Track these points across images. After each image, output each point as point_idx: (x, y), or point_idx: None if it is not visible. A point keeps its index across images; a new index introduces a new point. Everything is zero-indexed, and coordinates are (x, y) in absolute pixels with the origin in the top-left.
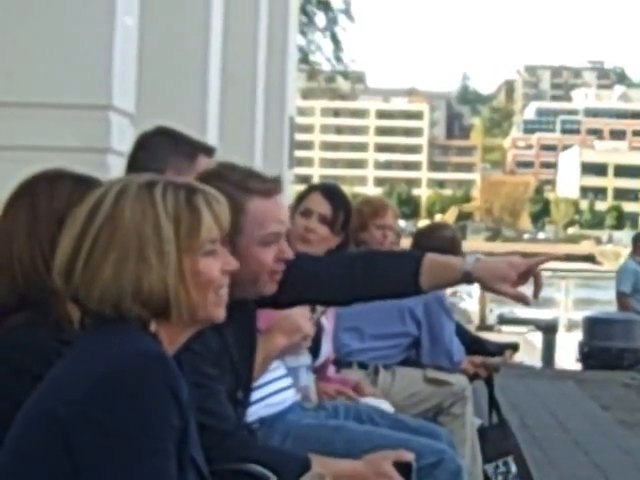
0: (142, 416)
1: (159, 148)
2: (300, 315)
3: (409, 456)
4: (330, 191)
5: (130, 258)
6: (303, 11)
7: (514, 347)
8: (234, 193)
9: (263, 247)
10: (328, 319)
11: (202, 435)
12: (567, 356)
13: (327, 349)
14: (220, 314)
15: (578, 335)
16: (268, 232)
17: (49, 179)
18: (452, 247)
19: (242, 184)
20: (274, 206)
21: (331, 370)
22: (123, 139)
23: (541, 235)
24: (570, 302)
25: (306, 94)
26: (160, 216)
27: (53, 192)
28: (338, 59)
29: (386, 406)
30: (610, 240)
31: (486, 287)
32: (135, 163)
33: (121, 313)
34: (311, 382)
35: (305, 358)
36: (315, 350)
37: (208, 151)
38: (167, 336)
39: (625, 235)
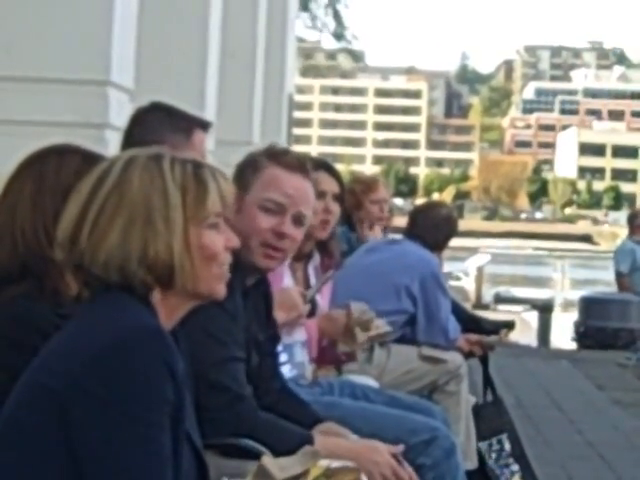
0: (137, 389)
1: (154, 123)
2: (296, 293)
3: (399, 448)
4: (331, 167)
5: (137, 223)
6: None
7: (510, 326)
8: (260, 155)
9: (262, 212)
10: (323, 296)
11: (216, 394)
12: (563, 335)
13: None
14: (221, 291)
15: (574, 315)
16: (271, 198)
17: (59, 152)
18: (449, 226)
19: (272, 153)
20: (289, 178)
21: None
22: (121, 115)
23: (538, 215)
24: (566, 282)
25: (305, 72)
26: (168, 183)
27: (61, 165)
28: (340, 36)
29: (371, 382)
30: (606, 217)
31: None
32: (130, 139)
33: (126, 277)
34: (306, 358)
35: (299, 334)
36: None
37: (204, 125)
38: (166, 309)
39: (622, 215)
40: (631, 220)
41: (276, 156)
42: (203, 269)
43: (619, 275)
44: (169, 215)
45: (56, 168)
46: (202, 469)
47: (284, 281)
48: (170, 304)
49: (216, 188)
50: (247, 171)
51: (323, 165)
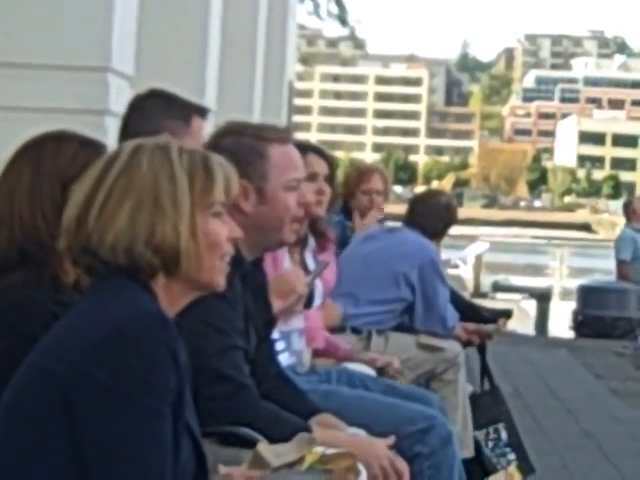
0: (142, 376)
1: (153, 110)
2: (293, 275)
3: (391, 440)
4: (320, 150)
5: (145, 206)
6: None
7: (507, 314)
8: (254, 143)
9: (287, 192)
10: (321, 281)
11: (218, 383)
12: (561, 324)
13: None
14: (221, 283)
15: (572, 303)
16: (291, 177)
17: (56, 138)
18: (448, 214)
19: (259, 134)
20: (293, 152)
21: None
22: (121, 101)
23: (537, 203)
24: (565, 270)
25: (306, 59)
26: (176, 168)
27: (58, 151)
28: (343, 22)
29: (369, 370)
30: (605, 206)
31: None
32: (128, 126)
33: (133, 259)
34: (304, 346)
35: (297, 322)
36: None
37: (202, 112)
38: (168, 297)
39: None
40: (626, 208)
41: (265, 136)
42: (207, 257)
43: (621, 263)
44: (177, 199)
45: (53, 154)
46: (200, 460)
47: (284, 266)
48: (173, 292)
49: (223, 178)
50: (254, 161)
51: (311, 148)
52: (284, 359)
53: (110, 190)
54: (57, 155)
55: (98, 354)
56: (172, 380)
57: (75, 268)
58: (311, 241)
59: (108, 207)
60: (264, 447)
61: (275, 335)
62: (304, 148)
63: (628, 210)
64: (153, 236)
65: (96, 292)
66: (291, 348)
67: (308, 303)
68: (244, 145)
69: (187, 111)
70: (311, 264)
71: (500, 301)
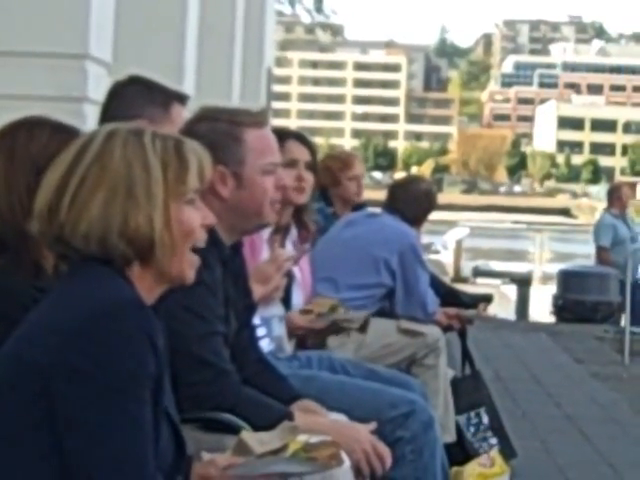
0: (120, 362)
1: (132, 97)
2: (270, 265)
3: (373, 425)
4: (301, 136)
5: (118, 196)
6: None
7: (488, 299)
8: (229, 128)
9: (264, 176)
10: (301, 269)
11: (199, 369)
12: (541, 309)
13: (299, 298)
14: (191, 276)
15: (552, 288)
16: (268, 161)
17: (29, 125)
18: (428, 200)
19: (234, 119)
20: (268, 135)
21: None
22: (99, 88)
23: (517, 188)
24: (545, 255)
25: (284, 45)
26: (149, 157)
27: (31, 138)
28: (319, 10)
29: (349, 356)
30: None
31: None
32: (108, 112)
33: (106, 250)
34: (284, 332)
35: (277, 308)
36: (286, 300)
37: (182, 99)
38: (143, 287)
39: (602, 189)
40: (611, 193)
41: (240, 121)
42: (180, 245)
43: (601, 249)
44: (151, 189)
45: (26, 141)
46: (180, 445)
47: (263, 255)
48: (147, 281)
49: (196, 164)
50: (230, 146)
51: (292, 134)
52: (265, 345)
53: (83, 178)
54: (30, 142)
55: (76, 341)
56: (151, 366)
57: (53, 254)
58: (293, 231)
59: (81, 196)
60: (248, 435)
61: (256, 321)
62: (285, 135)
63: (613, 195)
64: (127, 227)
65: (72, 279)
66: (272, 334)
67: (287, 290)
68: (219, 130)
69: (167, 98)
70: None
71: (480, 286)
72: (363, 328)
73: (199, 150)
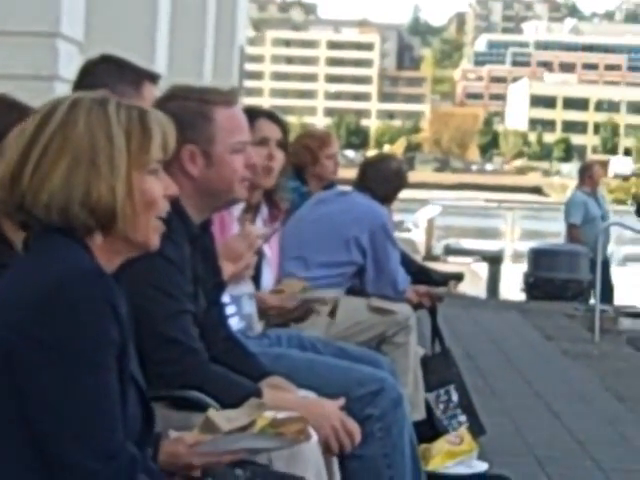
0: (83, 331)
1: (104, 76)
2: (241, 242)
3: (341, 402)
4: (272, 115)
5: (81, 165)
6: None
7: (459, 277)
8: (200, 106)
9: (234, 154)
10: (271, 247)
11: (167, 348)
12: (512, 287)
13: (269, 276)
14: (156, 242)
15: (523, 266)
16: (238, 140)
17: None
18: (398, 178)
19: (204, 97)
20: (238, 114)
21: None
22: (71, 67)
23: (489, 167)
24: (516, 233)
25: (257, 24)
26: (113, 127)
27: None
28: None
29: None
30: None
31: None
32: (79, 91)
33: (68, 219)
34: (254, 310)
35: (247, 286)
36: (256, 278)
37: (153, 78)
38: (105, 255)
39: (573, 167)
40: (582, 172)
41: (210, 99)
42: (143, 215)
43: (571, 227)
44: (113, 158)
45: None
46: (148, 414)
47: (233, 233)
48: (109, 250)
49: (160, 135)
50: (200, 124)
51: (263, 113)
52: (234, 323)
53: (46, 147)
54: None
55: (38, 312)
56: (114, 333)
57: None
58: (264, 210)
59: (43, 165)
60: (215, 412)
61: (225, 299)
62: (255, 113)
63: (585, 174)
64: (89, 196)
65: (33, 250)
66: (241, 312)
67: (257, 268)
68: (189, 109)
69: (138, 77)
70: (260, 231)
71: (452, 264)
72: (332, 313)
73: (163, 120)
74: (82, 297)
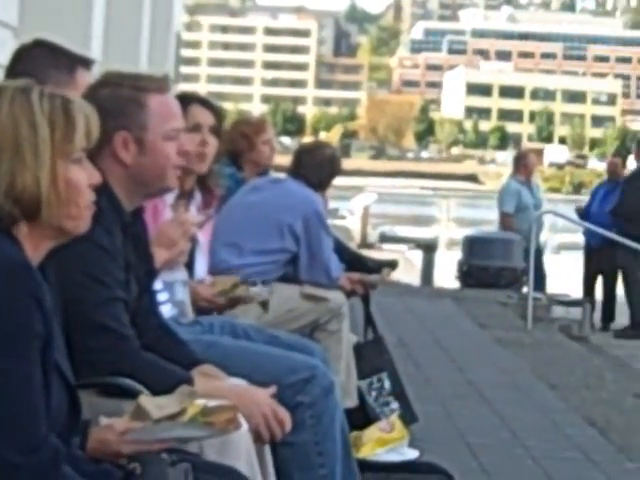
0: (6, 324)
1: (37, 61)
2: (175, 229)
3: (273, 390)
4: (205, 101)
5: (5, 155)
6: None
7: (392, 265)
8: (132, 93)
9: (167, 141)
10: (204, 233)
11: (98, 335)
12: (446, 274)
13: (202, 263)
14: (84, 227)
15: (457, 254)
16: (171, 127)
17: None
18: (332, 165)
19: (137, 84)
20: (171, 101)
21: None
22: (4, 52)
23: (425, 154)
24: (451, 221)
25: (194, 10)
26: (37, 116)
27: None
28: None
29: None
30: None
31: None
32: (13, 76)
33: None
34: (187, 297)
35: (181, 273)
36: (189, 265)
37: (87, 63)
38: (31, 244)
39: (509, 156)
40: (517, 160)
41: (142, 86)
42: (68, 203)
43: (504, 215)
44: (38, 148)
45: None
46: (75, 405)
47: (166, 219)
48: (35, 238)
49: (84, 124)
50: (132, 111)
51: (196, 99)
52: (167, 310)
53: None
54: None
55: None
56: (38, 325)
57: None
58: (197, 196)
59: None
60: (145, 399)
61: (158, 286)
62: (188, 99)
63: (519, 162)
64: (13, 187)
65: None
66: (174, 299)
67: (190, 254)
68: (122, 96)
69: (71, 62)
70: (196, 219)
71: (386, 252)
72: (265, 306)
73: (87, 109)
74: (4, 288)
